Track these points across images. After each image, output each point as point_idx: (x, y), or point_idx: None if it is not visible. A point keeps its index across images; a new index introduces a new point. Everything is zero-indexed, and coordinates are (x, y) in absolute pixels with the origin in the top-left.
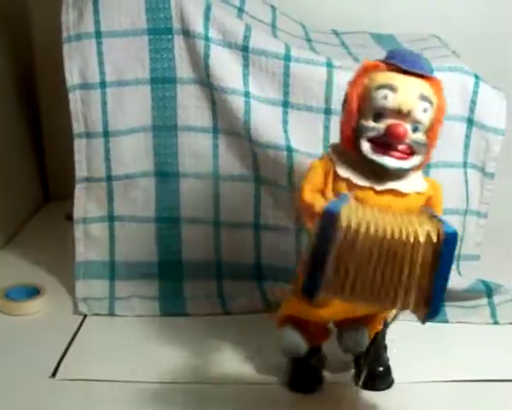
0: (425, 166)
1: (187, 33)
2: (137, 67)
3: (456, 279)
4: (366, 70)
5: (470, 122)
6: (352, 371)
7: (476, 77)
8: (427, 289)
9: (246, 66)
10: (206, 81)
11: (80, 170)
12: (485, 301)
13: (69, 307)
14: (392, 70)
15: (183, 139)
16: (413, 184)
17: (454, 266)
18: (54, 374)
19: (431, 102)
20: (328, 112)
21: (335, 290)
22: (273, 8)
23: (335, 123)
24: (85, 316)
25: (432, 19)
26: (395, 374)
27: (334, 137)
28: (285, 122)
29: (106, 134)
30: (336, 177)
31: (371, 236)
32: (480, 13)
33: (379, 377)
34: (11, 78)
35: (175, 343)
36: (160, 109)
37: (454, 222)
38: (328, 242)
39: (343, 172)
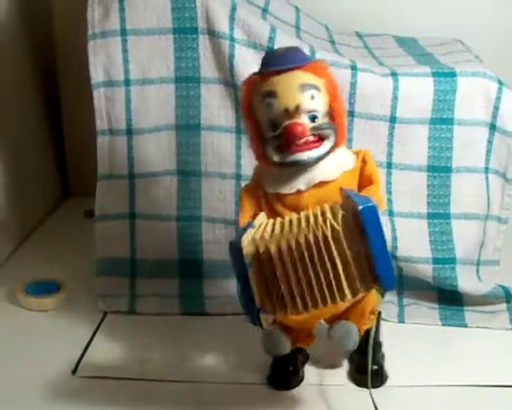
0: (345, 142)
1: (212, 33)
2: (162, 66)
3: (476, 284)
4: (247, 88)
5: (493, 128)
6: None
7: (499, 82)
8: (368, 265)
9: None
10: (230, 81)
11: (102, 167)
12: (504, 306)
13: (89, 303)
14: (268, 76)
15: (206, 139)
16: (339, 166)
17: (474, 271)
18: (74, 371)
19: (316, 87)
20: (351, 114)
21: (277, 310)
22: (297, 9)
23: (359, 125)
24: (105, 313)
25: (455, 23)
26: (410, 377)
27: (358, 140)
28: None
29: (129, 132)
30: (267, 195)
31: (284, 249)
32: (505, 18)
33: (373, 376)
34: (33, 73)
35: (194, 342)
36: (184, 108)
37: (475, 227)
38: (244, 270)
39: (271, 188)
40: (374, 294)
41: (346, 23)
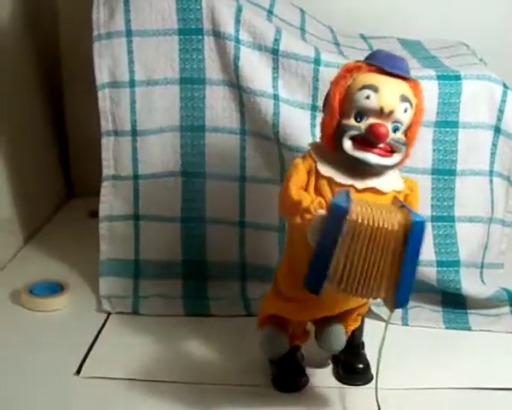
0: (403, 165)
1: (217, 34)
2: (167, 67)
3: (480, 287)
4: (348, 71)
5: (497, 131)
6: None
7: (504, 86)
8: (396, 278)
9: (275, 69)
10: (235, 83)
11: (107, 168)
12: (507, 309)
13: (93, 304)
14: (373, 71)
15: (211, 140)
16: (392, 183)
17: (478, 274)
18: (78, 372)
19: (411, 103)
20: None
21: (337, 283)
22: (302, 11)
23: None
24: (109, 314)
25: (460, 26)
26: (414, 380)
27: None
28: (313, 126)
29: (134, 133)
30: (318, 175)
31: (370, 228)
32: (509, 21)
33: (358, 374)
34: (37, 74)
35: (198, 343)
36: (189, 110)
37: (479, 230)
38: (337, 236)
39: (325, 170)
40: None
41: (351, 25)
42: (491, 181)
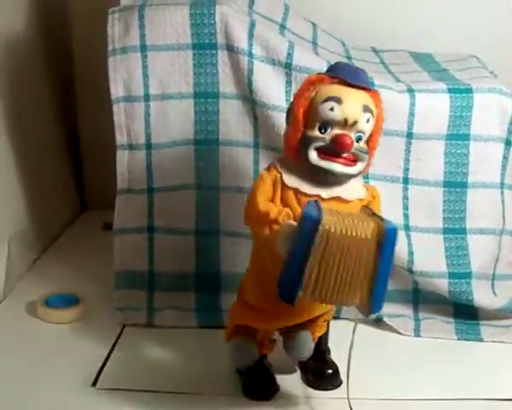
0: (365, 174)
1: (231, 49)
2: (181, 81)
3: (491, 298)
4: (311, 83)
5: (508, 143)
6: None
7: None
8: (371, 284)
9: (288, 83)
10: (248, 97)
11: (122, 181)
12: None
13: (108, 316)
14: (336, 83)
15: (225, 153)
16: (355, 191)
17: (489, 286)
18: (94, 383)
19: (372, 113)
20: None
21: (311, 292)
22: (314, 24)
23: None
24: (124, 326)
25: (471, 39)
26: (425, 391)
27: (375, 155)
28: None
29: (148, 147)
30: (284, 187)
31: (342, 237)
32: None
33: (328, 379)
34: (51, 87)
35: (212, 355)
36: (203, 123)
37: (490, 242)
38: (309, 246)
39: (290, 181)
40: None
41: (362, 39)
42: (502, 193)
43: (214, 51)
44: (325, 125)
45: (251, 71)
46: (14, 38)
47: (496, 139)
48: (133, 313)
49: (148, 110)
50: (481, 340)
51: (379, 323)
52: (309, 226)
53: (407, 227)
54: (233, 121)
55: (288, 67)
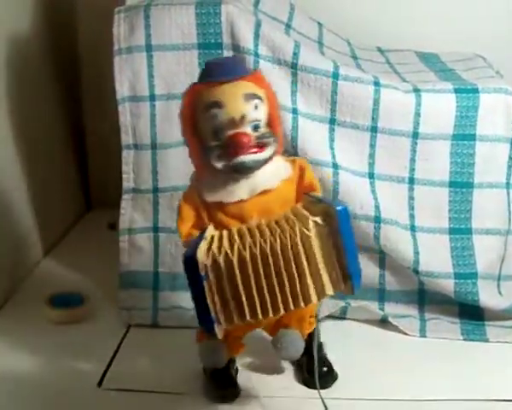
0: (279, 154)
1: (237, 49)
2: (186, 81)
3: (496, 299)
4: (189, 99)
5: None
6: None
7: None
8: (341, 266)
9: (294, 83)
10: None
11: (127, 181)
12: None
13: (113, 316)
14: (209, 87)
15: None
16: (277, 175)
17: (495, 286)
18: (100, 384)
19: (259, 97)
20: (374, 130)
21: (234, 318)
22: (320, 24)
23: (382, 141)
24: (129, 326)
25: (477, 39)
26: (431, 391)
27: (380, 155)
28: (331, 140)
29: (154, 146)
30: (207, 205)
31: (247, 258)
32: None
33: (324, 377)
34: (56, 87)
35: None
36: None
37: (496, 242)
38: (199, 283)
39: (211, 197)
40: None
41: (368, 38)
42: (507, 193)
43: (220, 51)
44: (216, 132)
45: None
46: (20, 36)
47: (502, 139)
48: (138, 313)
49: (153, 110)
50: (487, 340)
51: (384, 323)
52: (187, 266)
53: (413, 227)
54: None
55: (293, 66)
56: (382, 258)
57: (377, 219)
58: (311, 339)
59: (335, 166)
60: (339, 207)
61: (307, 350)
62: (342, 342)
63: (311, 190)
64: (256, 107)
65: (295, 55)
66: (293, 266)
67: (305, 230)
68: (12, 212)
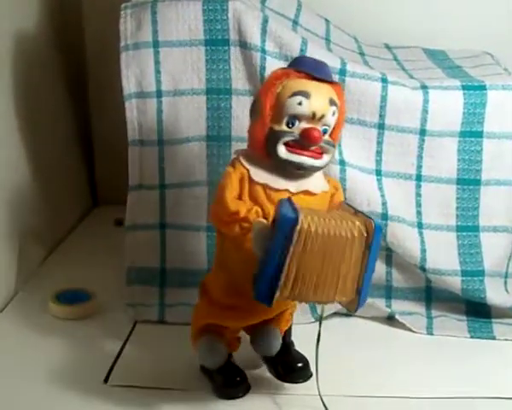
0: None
1: (244, 45)
2: (193, 78)
3: (503, 297)
4: (278, 78)
5: None
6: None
7: None
8: (358, 281)
9: None
10: None
11: (133, 177)
12: None
13: (119, 312)
14: (302, 77)
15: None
16: (320, 184)
17: (502, 284)
18: (106, 380)
19: (337, 106)
20: (381, 127)
21: (289, 293)
22: (327, 21)
23: (389, 138)
24: (136, 322)
25: (484, 35)
26: (437, 389)
27: (387, 152)
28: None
29: (160, 143)
30: (251, 183)
31: (320, 236)
32: None
33: (299, 371)
34: (63, 82)
35: None
36: (215, 120)
37: (503, 240)
38: (288, 247)
39: (258, 177)
40: None
41: (375, 35)
42: None
43: (227, 47)
44: (293, 120)
45: (263, 67)
46: (26, 33)
47: (509, 136)
48: (145, 309)
49: (160, 106)
50: (494, 338)
51: (391, 320)
52: (285, 226)
53: (420, 225)
54: (245, 118)
55: None
56: (389, 255)
57: (384, 217)
58: (285, 335)
59: (342, 162)
60: (378, 222)
61: (282, 347)
62: (348, 339)
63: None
64: (333, 113)
65: (302, 51)
66: (344, 261)
67: (362, 229)
68: (18, 208)
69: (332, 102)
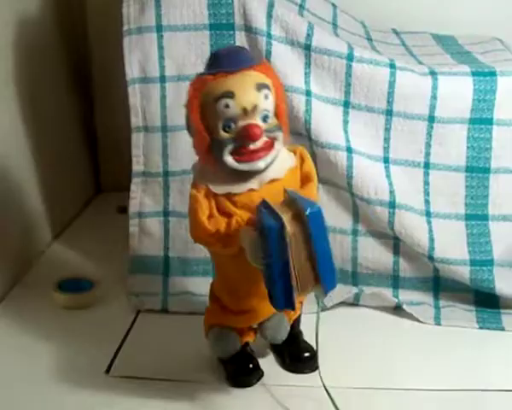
0: (287, 143)
1: (249, 30)
2: (197, 62)
3: None
4: (196, 89)
5: None
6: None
7: None
8: (314, 266)
9: (307, 64)
10: None
11: (137, 164)
12: None
13: (122, 301)
14: (219, 77)
15: None
16: (284, 163)
17: (511, 273)
18: (108, 370)
19: (268, 87)
20: (389, 113)
21: (300, 290)
22: (334, 5)
23: (397, 125)
24: (139, 311)
25: (494, 21)
26: (445, 380)
27: (396, 139)
28: (345, 122)
29: (164, 129)
30: (215, 196)
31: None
32: None
33: (305, 362)
34: (66, 70)
35: None
36: None
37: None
38: (284, 249)
39: (219, 189)
40: None
41: (383, 20)
42: None
43: (232, 32)
44: (228, 123)
45: (269, 52)
46: (29, 21)
47: None
48: (148, 298)
49: (163, 92)
50: (502, 329)
51: (398, 310)
52: (274, 235)
53: (428, 213)
54: None
55: (307, 48)
56: (397, 244)
57: (392, 205)
58: (293, 324)
59: (349, 149)
60: (308, 211)
61: (289, 336)
62: (355, 329)
63: (307, 180)
64: (266, 96)
65: (309, 36)
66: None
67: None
68: (21, 195)
69: (260, 87)
